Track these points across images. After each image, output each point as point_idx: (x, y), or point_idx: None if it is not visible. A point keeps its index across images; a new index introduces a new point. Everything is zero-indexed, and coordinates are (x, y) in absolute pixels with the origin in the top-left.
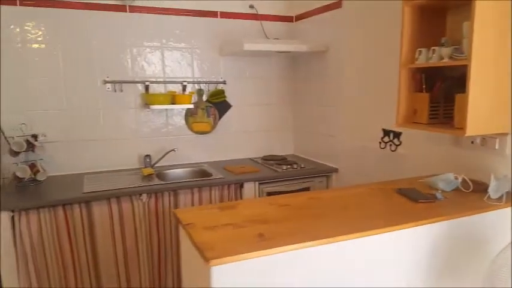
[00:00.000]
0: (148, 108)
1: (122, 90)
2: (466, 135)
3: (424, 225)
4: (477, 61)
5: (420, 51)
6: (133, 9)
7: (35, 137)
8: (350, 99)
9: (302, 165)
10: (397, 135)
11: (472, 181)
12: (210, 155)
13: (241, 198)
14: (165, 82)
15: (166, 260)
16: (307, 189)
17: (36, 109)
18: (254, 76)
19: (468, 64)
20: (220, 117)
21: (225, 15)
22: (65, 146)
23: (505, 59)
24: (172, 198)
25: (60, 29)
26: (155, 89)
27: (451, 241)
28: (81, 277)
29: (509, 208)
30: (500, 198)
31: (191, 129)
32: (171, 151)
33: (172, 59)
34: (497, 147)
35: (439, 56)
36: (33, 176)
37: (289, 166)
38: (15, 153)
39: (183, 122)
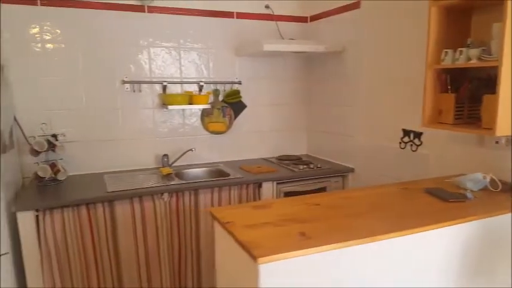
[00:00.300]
0: (166, 108)
1: (140, 91)
2: (496, 135)
3: (457, 225)
4: (508, 62)
5: (446, 52)
6: (152, 9)
7: (54, 136)
8: (367, 99)
9: (318, 165)
10: (418, 135)
11: (499, 181)
12: (224, 154)
13: (259, 198)
14: (182, 82)
15: (187, 260)
16: (323, 189)
17: (55, 109)
18: (268, 76)
19: (499, 65)
20: (235, 117)
21: (241, 15)
22: (83, 146)
23: None
24: (192, 197)
25: (79, 29)
26: (171, 89)
27: (483, 241)
28: (103, 276)
29: None
30: None
31: (207, 129)
32: (188, 151)
33: (189, 59)
34: None
35: (466, 57)
36: (53, 176)
37: (305, 166)
38: (36, 153)
39: (199, 122)
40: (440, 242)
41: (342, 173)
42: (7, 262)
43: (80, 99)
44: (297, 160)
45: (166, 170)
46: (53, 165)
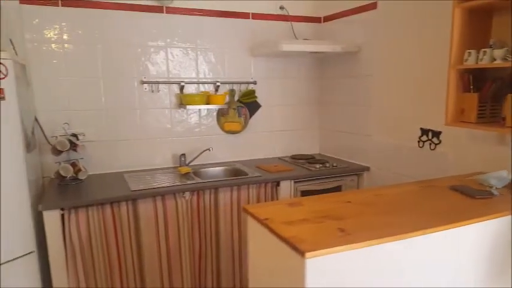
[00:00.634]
0: (184, 108)
1: (158, 91)
2: None
3: (488, 220)
4: None
5: (469, 52)
6: (170, 10)
7: (75, 136)
8: (383, 99)
9: (334, 164)
10: (436, 134)
11: None
12: (239, 154)
13: (277, 196)
14: (199, 82)
15: (207, 259)
16: (339, 187)
17: (74, 109)
18: (282, 76)
19: None
20: (250, 117)
21: (257, 16)
22: (102, 145)
23: None
24: (212, 196)
25: (99, 29)
26: (187, 89)
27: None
28: (126, 274)
29: None
30: None
31: (222, 128)
32: (206, 150)
33: (205, 59)
34: None
35: (490, 58)
36: (74, 175)
37: (321, 165)
38: (58, 152)
39: (215, 121)
40: (470, 238)
41: (358, 171)
42: (33, 261)
43: (99, 99)
44: (311, 159)
45: (184, 169)
46: (73, 165)
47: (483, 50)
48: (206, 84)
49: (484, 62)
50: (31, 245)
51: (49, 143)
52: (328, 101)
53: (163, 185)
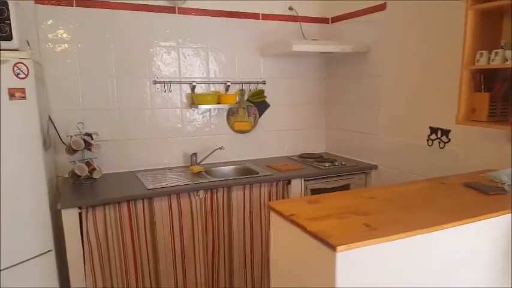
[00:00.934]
0: (196, 107)
1: (170, 91)
2: None
3: (505, 215)
4: None
5: (481, 53)
6: (182, 10)
7: (89, 135)
8: (392, 99)
9: (343, 163)
10: (446, 132)
11: None
12: (249, 153)
13: (287, 194)
14: (210, 82)
15: (219, 256)
16: (347, 185)
17: (87, 109)
18: (290, 76)
19: None
20: (259, 116)
21: (267, 17)
22: (115, 145)
23: None
24: (225, 194)
25: (112, 29)
26: (198, 89)
27: None
28: (141, 273)
29: None
30: None
31: (232, 128)
32: (217, 149)
33: (216, 59)
34: None
35: (502, 58)
36: (89, 174)
37: (330, 164)
38: (73, 152)
39: (225, 121)
40: (487, 233)
41: (366, 170)
42: (51, 259)
43: (112, 98)
44: (319, 158)
45: (196, 168)
46: (87, 164)
47: (495, 50)
48: (216, 84)
49: (496, 63)
50: (49, 243)
51: (63, 142)
52: (336, 100)
53: (178, 184)
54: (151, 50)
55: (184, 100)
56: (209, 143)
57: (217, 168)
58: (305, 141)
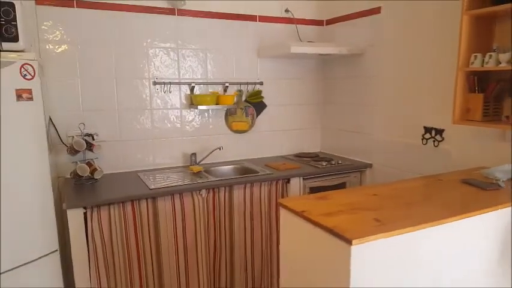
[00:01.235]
0: (195, 108)
1: (170, 91)
2: None
3: (503, 209)
4: None
5: (476, 56)
6: (181, 12)
7: (90, 136)
8: (387, 99)
9: (339, 162)
10: (440, 131)
11: None
12: (246, 152)
13: (287, 193)
14: (209, 83)
15: (221, 257)
16: (343, 184)
17: (87, 109)
18: (287, 77)
19: None
20: (256, 116)
21: (264, 19)
22: (115, 145)
23: None
24: (227, 193)
25: (112, 30)
26: (197, 89)
27: None
28: (145, 271)
29: None
30: None
31: (230, 128)
32: (216, 149)
33: (214, 60)
34: None
35: (496, 61)
36: (90, 175)
37: (327, 162)
38: (74, 152)
39: (223, 121)
40: (490, 225)
41: (361, 168)
42: (56, 260)
43: (112, 99)
44: (315, 157)
45: (196, 168)
46: (88, 164)
47: (489, 53)
48: (214, 85)
49: (490, 65)
50: (54, 243)
51: (63, 143)
52: (331, 100)
53: (181, 183)
54: (151, 51)
55: (184, 101)
56: (208, 143)
57: (217, 167)
58: (301, 141)
